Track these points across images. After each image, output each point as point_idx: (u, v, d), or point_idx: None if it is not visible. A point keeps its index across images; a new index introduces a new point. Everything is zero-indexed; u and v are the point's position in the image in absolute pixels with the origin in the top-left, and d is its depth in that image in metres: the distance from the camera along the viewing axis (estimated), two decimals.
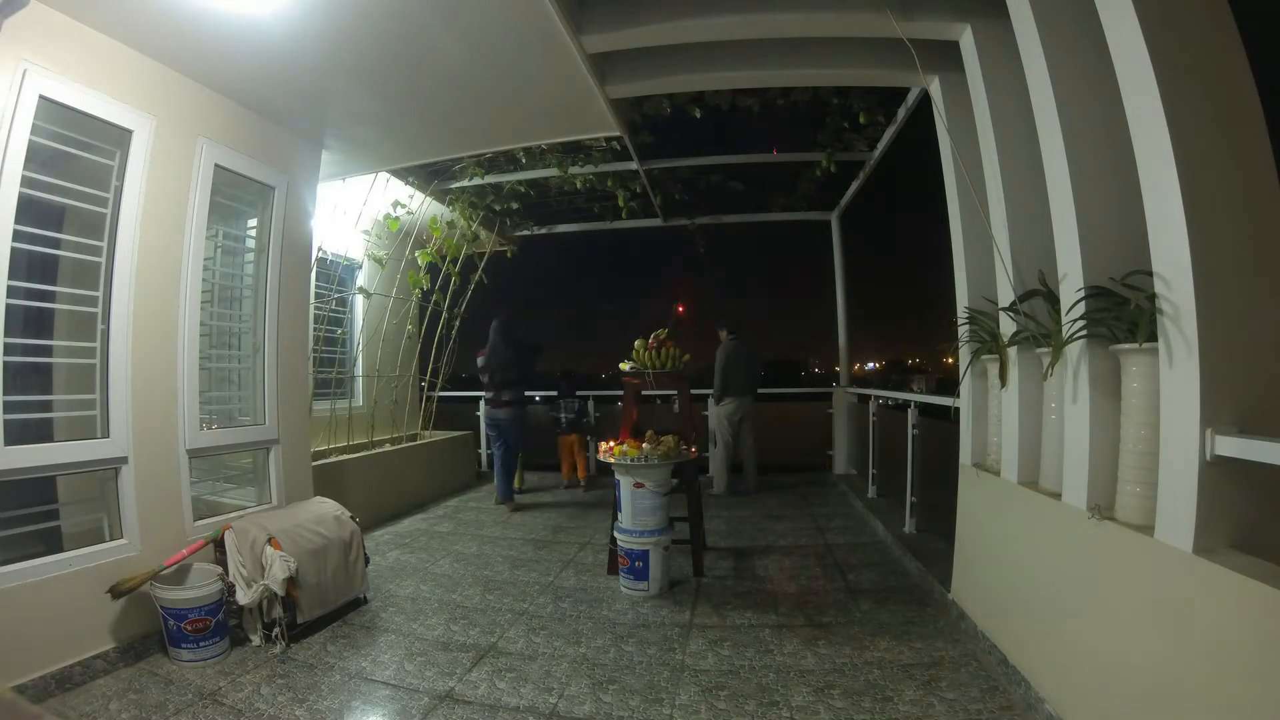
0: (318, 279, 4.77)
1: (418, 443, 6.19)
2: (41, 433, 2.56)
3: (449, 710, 2.33)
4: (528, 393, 5.83)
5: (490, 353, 5.53)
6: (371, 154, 4.41)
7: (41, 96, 2.40)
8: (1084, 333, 1.97)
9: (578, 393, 6.61)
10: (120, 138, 2.75)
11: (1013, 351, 2.54)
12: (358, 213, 5.34)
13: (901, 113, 4.29)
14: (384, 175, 5.19)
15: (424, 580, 3.77)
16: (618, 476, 3.56)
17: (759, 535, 4.64)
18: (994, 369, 2.73)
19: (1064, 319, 2.05)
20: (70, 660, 2.45)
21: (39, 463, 2.44)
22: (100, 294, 2.69)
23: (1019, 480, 2.49)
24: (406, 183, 5.44)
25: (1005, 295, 2.56)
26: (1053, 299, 2.24)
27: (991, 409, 2.86)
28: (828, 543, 4.41)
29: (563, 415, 6.41)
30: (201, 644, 2.66)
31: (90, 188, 2.65)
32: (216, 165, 3.19)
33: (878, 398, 5.62)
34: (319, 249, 4.62)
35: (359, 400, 5.89)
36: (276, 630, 2.84)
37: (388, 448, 5.76)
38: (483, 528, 5.02)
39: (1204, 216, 1.55)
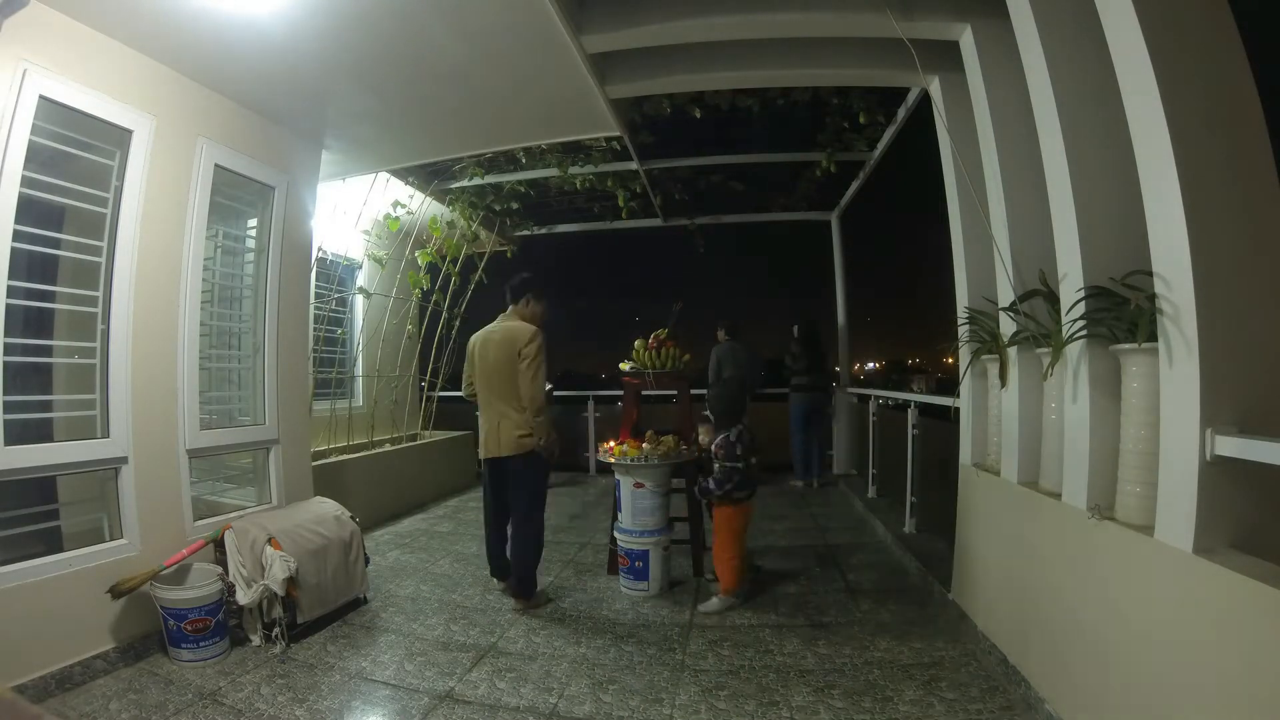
0: (318, 279, 4.77)
1: (418, 443, 6.19)
2: (41, 433, 2.56)
3: (449, 710, 2.33)
4: None
5: None
6: (371, 154, 4.41)
7: (41, 96, 2.40)
8: (1084, 333, 1.97)
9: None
10: (120, 138, 2.75)
11: (1013, 351, 2.54)
12: (358, 213, 5.34)
13: (901, 113, 4.29)
14: (384, 175, 5.19)
15: (424, 580, 3.77)
16: (618, 476, 3.56)
17: (759, 535, 4.64)
18: (994, 369, 2.73)
19: (1064, 319, 2.05)
20: (70, 660, 2.45)
21: (39, 463, 2.44)
22: (100, 294, 2.69)
23: (1019, 480, 2.49)
24: (406, 183, 5.45)
25: (1005, 295, 2.56)
26: (1053, 299, 2.24)
27: (991, 409, 2.86)
28: (828, 543, 4.41)
29: None
30: (201, 644, 2.66)
31: (90, 188, 2.65)
32: (216, 165, 3.19)
33: (878, 398, 5.62)
34: (319, 249, 4.62)
35: (359, 400, 5.89)
36: (276, 630, 2.84)
37: (388, 448, 5.76)
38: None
39: (1204, 216, 1.55)
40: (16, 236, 2.33)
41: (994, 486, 2.73)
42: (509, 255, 7.45)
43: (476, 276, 6.91)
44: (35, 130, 2.38)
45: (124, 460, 2.73)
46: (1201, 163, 1.57)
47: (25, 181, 2.36)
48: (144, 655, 2.70)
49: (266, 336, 3.57)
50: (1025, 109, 2.33)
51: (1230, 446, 1.46)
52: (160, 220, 2.91)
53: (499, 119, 3.90)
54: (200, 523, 3.07)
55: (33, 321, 2.55)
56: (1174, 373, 1.61)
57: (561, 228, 7.37)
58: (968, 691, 2.35)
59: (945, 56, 3.00)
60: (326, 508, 3.47)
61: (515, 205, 6.18)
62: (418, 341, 6.69)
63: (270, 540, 2.90)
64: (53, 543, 2.57)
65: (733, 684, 2.48)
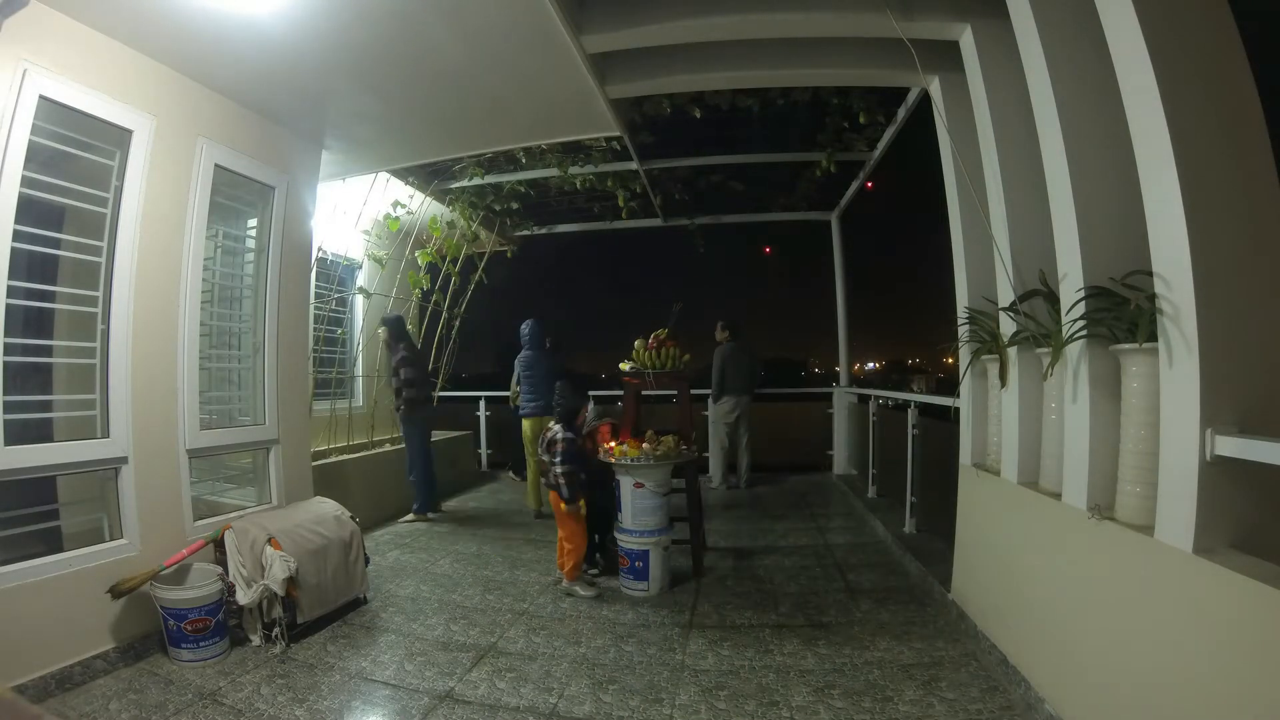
0: (318, 279, 4.77)
1: None
2: (41, 433, 2.56)
3: (449, 710, 2.33)
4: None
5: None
6: (371, 154, 4.41)
7: (41, 96, 2.40)
8: (1084, 333, 1.97)
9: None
10: (120, 138, 2.75)
11: (1013, 351, 2.54)
12: (358, 213, 5.34)
13: (901, 113, 4.29)
14: (384, 175, 5.19)
15: (424, 580, 3.77)
16: (618, 476, 3.56)
17: (759, 535, 4.64)
18: (994, 369, 2.73)
19: (1064, 319, 2.05)
20: (70, 660, 2.45)
21: (39, 463, 2.44)
22: (100, 294, 2.69)
23: (1019, 480, 2.49)
24: (406, 183, 5.44)
25: (1005, 295, 2.56)
26: (1053, 299, 2.24)
27: (991, 409, 2.86)
28: (828, 543, 4.41)
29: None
30: (201, 644, 2.66)
31: (90, 188, 2.65)
32: (216, 165, 3.19)
33: (878, 398, 5.62)
34: (319, 249, 4.62)
35: (359, 400, 5.89)
36: (276, 630, 2.84)
37: (388, 448, 5.75)
38: (483, 527, 5.02)
39: (1204, 216, 1.55)
40: (16, 236, 2.33)
41: (994, 486, 2.73)
42: (509, 255, 7.45)
43: (476, 276, 6.92)
44: (35, 130, 2.38)
45: (124, 460, 2.73)
46: (1201, 163, 1.57)
47: (25, 181, 2.36)
48: (144, 655, 2.70)
49: (266, 336, 3.57)
50: (1025, 109, 2.33)
51: (1230, 446, 1.46)
52: (160, 220, 2.91)
53: (499, 119, 3.90)
54: (200, 523, 3.07)
55: (33, 321, 2.55)
56: (1174, 373, 1.61)
57: (561, 228, 7.36)
58: (968, 691, 2.35)
59: (945, 56, 3.00)
60: (326, 508, 3.47)
61: (515, 205, 6.18)
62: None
63: (270, 540, 2.90)
64: (53, 543, 2.57)
65: (733, 684, 2.48)
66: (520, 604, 3.37)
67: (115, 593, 2.56)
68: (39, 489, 2.60)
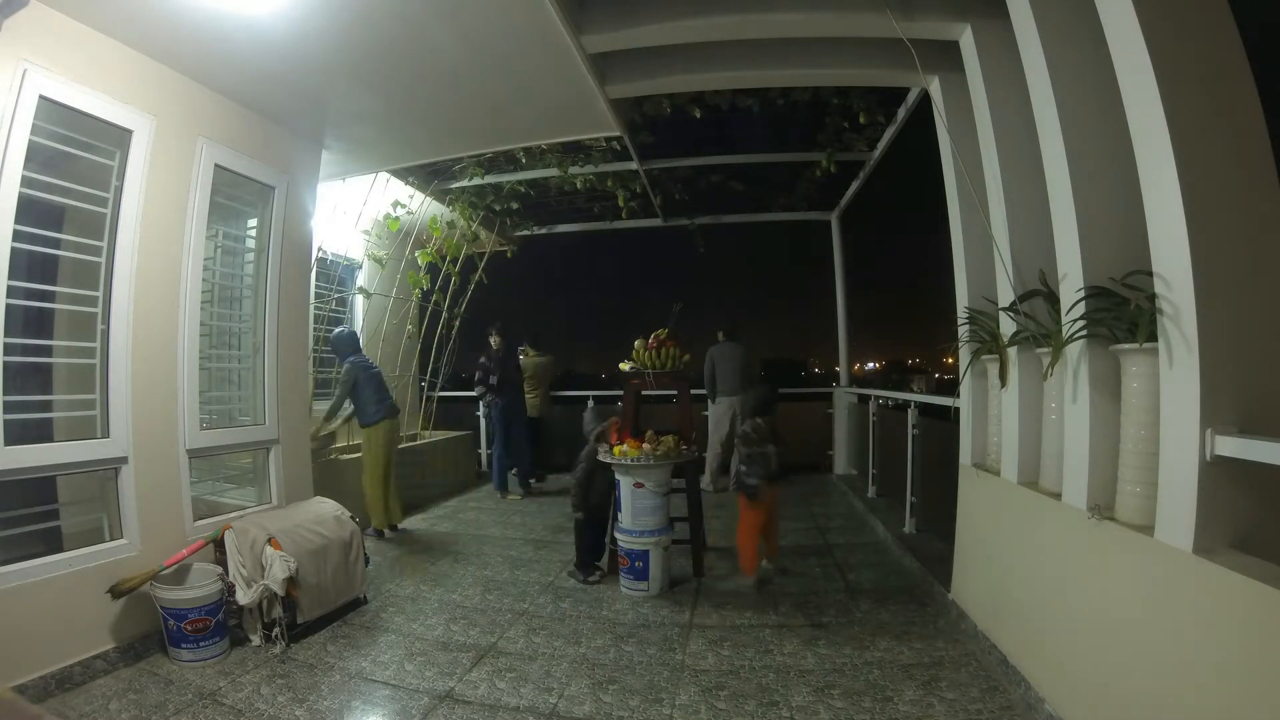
0: (318, 279, 4.77)
1: (418, 443, 6.18)
2: (41, 433, 2.56)
3: (449, 710, 2.33)
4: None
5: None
6: (371, 154, 4.41)
7: (41, 96, 2.40)
8: (1084, 333, 1.97)
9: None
10: (120, 138, 2.75)
11: (1013, 351, 2.54)
12: (358, 213, 5.34)
13: (901, 113, 4.29)
14: (384, 175, 5.19)
15: (424, 580, 3.77)
16: (618, 476, 3.56)
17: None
18: (994, 369, 2.73)
19: (1064, 319, 2.05)
20: (70, 660, 2.45)
21: (39, 463, 2.44)
22: (100, 294, 2.69)
23: (1019, 480, 2.49)
24: (406, 183, 5.44)
25: (1005, 295, 2.56)
26: (1053, 299, 2.24)
27: (991, 409, 2.86)
28: (828, 543, 4.41)
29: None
30: (201, 644, 2.66)
31: (90, 188, 2.65)
32: (216, 165, 3.19)
33: (878, 398, 5.62)
34: (319, 249, 4.61)
35: None
36: (276, 630, 2.84)
37: None
38: (483, 528, 5.02)
39: (1204, 216, 1.55)
40: (16, 236, 2.33)
41: (994, 486, 2.73)
42: (509, 255, 7.45)
43: (476, 276, 6.92)
44: (35, 130, 2.38)
45: (124, 460, 2.73)
46: (1201, 163, 1.57)
47: (25, 181, 2.36)
48: (144, 655, 2.70)
49: (266, 336, 3.57)
50: (1025, 109, 2.33)
51: (1230, 446, 1.46)
52: (160, 220, 2.90)
53: (499, 119, 3.90)
54: (200, 523, 3.07)
55: (33, 321, 2.55)
56: (1174, 373, 1.61)
57: (561, 228, 7.36)
58: (968, 691, 2.35)
59: (945, 56, 3.00)
60: (326, 508, 3.47)
61: (515, 205, 6.17)
62: (418, 341, 6.68)
63: (270, 540, 2.90)
64: (53, 543, 2.57)
65: (733, 684, 2.48)
66: (520, 604, 3.37)
67: (115, 593, 2.56)
68: (39, 489, 2.60)
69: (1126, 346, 1.80)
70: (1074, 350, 2.09)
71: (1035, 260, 2.42)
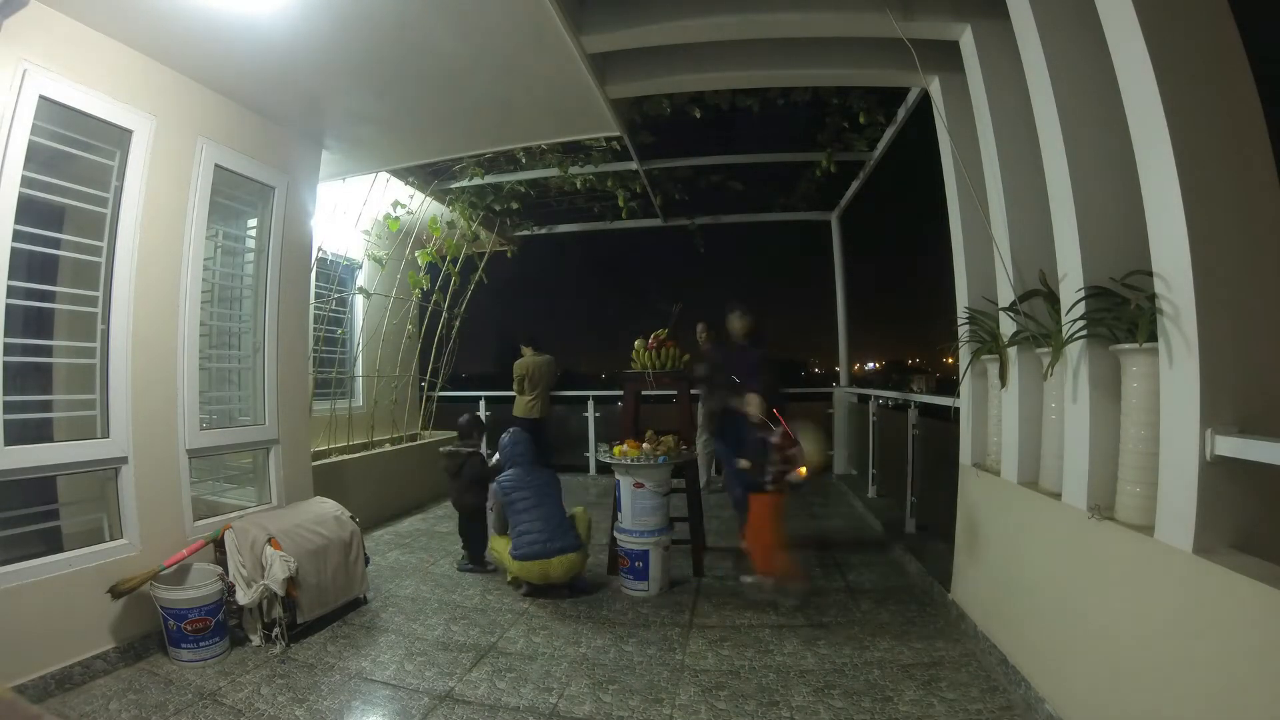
0: (318, 279, 4.77)
1: (418, 443, 6.19)
2: (41, 433, 2.56)
3: (449, 710, 2.33)
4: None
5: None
6: (371, 154, 4.41)
7: (41, 96, 2.40)
8: (1084, 333, 1.97)
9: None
10: (120, 138, 2.75)
11: (1013, 351, 2.54)
12: (358, 213, 5.34)
13: (901, 113, 4.29)
14: (384, 175, 5.19)
15: (424, 580, 3.77)
16: (618, 476, 3.56)
17: None
18: (994, 369, 2.73)
19: (1064, 319, 2.05)
20: (70, 660, 2.45)
21: (39, 463, 2.44)
22: (100, 294, 2.69)
23: (1019, 480, 2.49)
24: (406, 183, 5.45)
25: (1005, 295, 2.56)
26: (1053, 299, 2.24)
27: (991, 409, 2.86)
28: (828, 543, 4.40)
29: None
30: (201, 644, 2.66)
31: (90, 188, 2.65)
32: (216, 165, 3.19)
33: (878, 398, 5.62)
34: (319, 249, 4.62)
35: (359, 400, 5.88)
36: (276, 630, 2.84)
37: (388, 448, 5.75)
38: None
39: (1204, 216, 1.55)
40: (16, 236, 2.33)
41: (994, 486, 2.73)
42: (509, 255, 7.45)
43: (476, 276, 6.92)
44: (35, 130, 2.38)
45: (124, 460, 2.73)
46: (1201, 163, 1.57)
47: (25, 181, 2.36)
48: (144, 655, 2.70)
49: (266, 336, 3.57)
50: (1025, 109, 2.33)
51: (1230, 446, 1.46)
52: (160, 220, 2.90)
53: (499, 119, 3.90)
54: (200, 523, 3.07)
55: (33, 321, 2.55)
56: (1174, 373, 1.61)
57: (561, 228, 7.36)
58: (968, 691, 2.35)
59: (945, 56, 3.00)
60: (326, 508, 3.47)
61: (515, 205, 6.17)
62: (418, 341, 6.69)
63: (270, 540, 2.90)
64: (53, 543, 2.57)
65: (733, 684, 2.48)
66: (520, 604, 3.37)
67: (115, 593, 2.56)
68: (39, 489, 2.60)
69: (1126, 346, 1.80)
70: (1074, 350, 2.09)
71: (1035, 260, 2.41)
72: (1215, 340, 1.52)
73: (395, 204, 5.57)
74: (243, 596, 2.78)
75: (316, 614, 3.02)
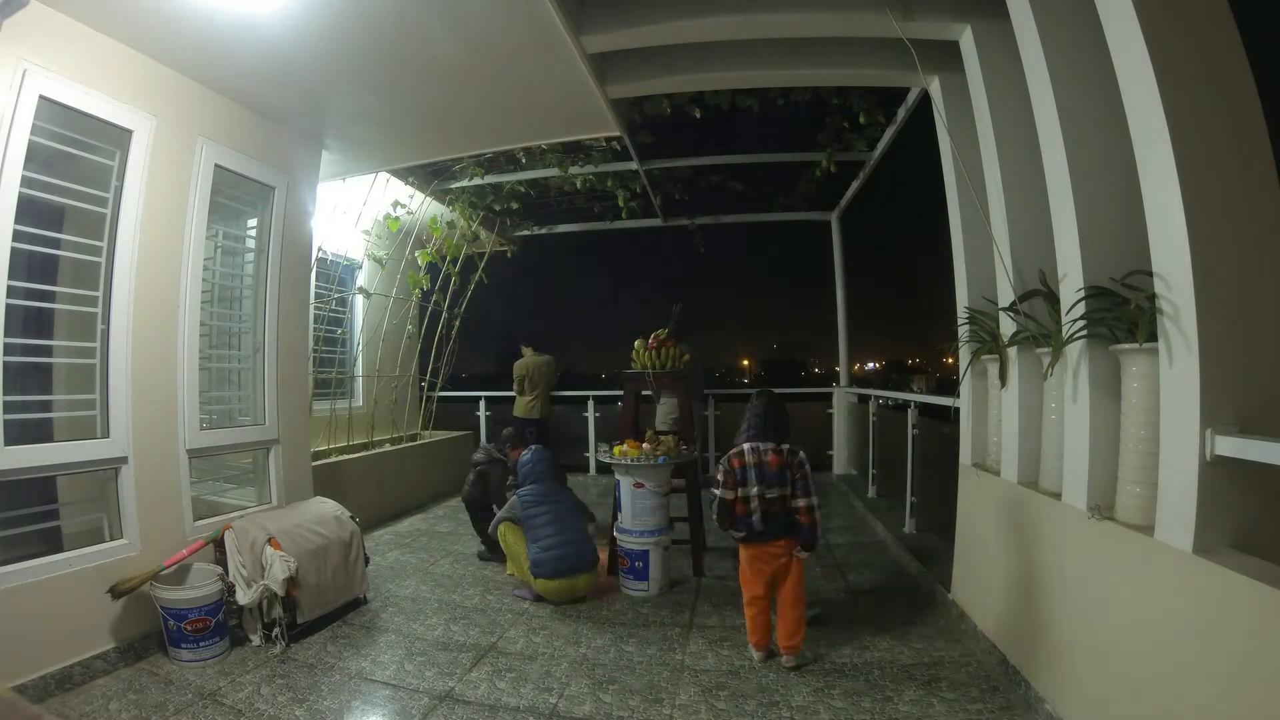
0: (318, 279, 4.77)
1: (418, 443, 6.19)
2: (41, 433, 2.56)
3: (449, 710, 2.33)
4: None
5: None
6: (371, 154, 4.41)
7: (41, 96, 2.40)
8: (1084, 333, 1.97)
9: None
10: (120, 138, 2.75)
11: (1013, 351, 2.54)
12: (358, 213, 5.34)
13: (901, 113, 4.29)
14: (384, 175, 5.19)
15: (424, 580, 3.77)
16: (618, 476, 3.56)
17: None
18: (994, 369, 2.73)
19: (1064, 319, 2.05)
20: (70, 660, 2.45)
21: (39, 463, 2.44)
22: (100, 294, 2.69)
23: (1019, 480, 2.49)
24: (406, 183, 5.45)
25: (1005, 295, 2.56)
26: (1053, 299, 2.24)
27: (991, 409, 2.86)
28: (828, 543, 4.40)
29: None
30: (201, 644, 2.66)
31: (90, 188, 2.65)
32: (216, 165, 3.19)
33: (878, 398, 5.62)
34: (319, 249, 4.62)
35: (359, 400, 5.89)
36: (276, 630, 2.84)
37: (388, 448, 5.76)
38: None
39: (1204, 216, 1.55)
40: (16, 236, 2.33)
41: (994, 486, 2.73)
42: (509, 255, 7.45)
43: (476, 276, 6.92)
44: (35, 130, 2.38)
45: (124, 460, 2.73)
46: (1201, 163, 1.57)
47: (25, 181, 2.36)
48: (144, 655, 2.70)
49: (266, 336, 3.57)
50: (1025, 109, 2.33)
51: (1230, 446, 1.46)
52: (160, 220, 2.90)
53: (499, 119, 3.90)
54: (200, 523, 3.07)
55: (33, 321, 2.55)
56: (1174, 373, 1.61)
57: (561, 228, 7.36)
58: (968, 691, 2.35)
59: (945, 56, 3.00)
60: (326, 508, 3.47)
61: (515, 205, 6.18)
62: (418, 341, 6.69)
63: (270, 540, 2.90)
64: (53, 543, 2.57)
65: (733, 684, 2.48)
66: (520, 604, 3.37)
67: (115, 593, 2.56)
68: (39, 489, 2.60)
69: (1126, 346, 1.80)
70: (1074, 350, 2.08)
71: (1035, 260, 2.42)
72: (1215, 340, 1.52)
73: (395, 204, 5.57)
74: (243, 596, 2.78)
75: (316, 614, 3.02)
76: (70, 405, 2.69)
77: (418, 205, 5.75)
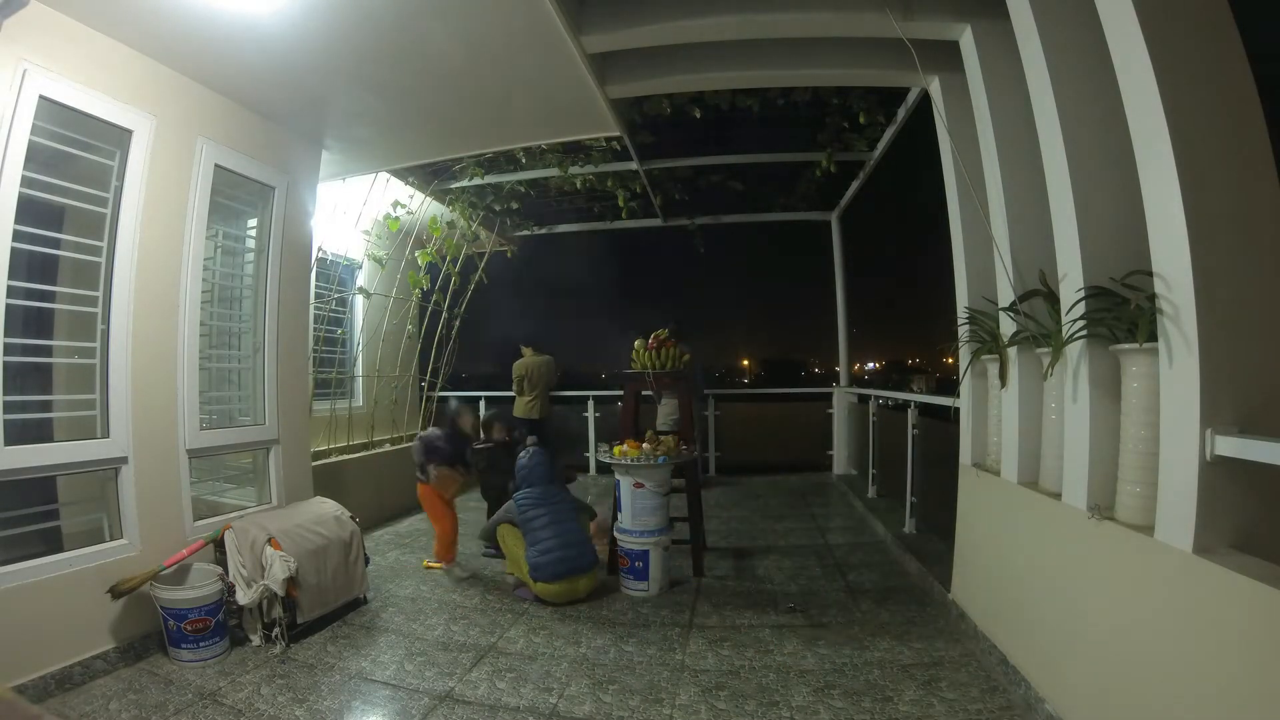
0: (318, 279, 4.77)
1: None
2: (41, 433, 2.56)
3: (449, 710, 2.33)
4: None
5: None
6: (371, 154, 4.41)
7: (41, 96, 2.40)
8: (1084, 333, 1.97)
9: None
10: (120, 138, 2.75)
11: (1013, 351, 2.54)
12: (358, 213, 5.34)
13: (901, 113, 4.29)
14: (384, 175, 5.19)
15: (424, 580, 3.77)
16: (618, 476, 3.56)
17: (759, 535, 4.64)
18: (994, 369, 2.73)
19: (1064, 319, 2.05)
20: (70, 660, 2.45)
21: (39, 463, 2.44)
22: (100, 294, 2.69)
23: (1019, 480, 2.49)
24: (406, 183, 5.44)
25: (1005, 295, 2.56)
26: (1053, 299, 2.24)
27: (991, 409, 2.86)
28: (828, 543, 4.41)
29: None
30: (201, 644, 2.66)
31: (90, 188, 2.65)
32: (216, 165, 3.19)
33: (878, 398, 5.62)
34: (319, 249, 4.61)
35: (359, 400, 5.89)
36: (276, 630, 2.84)
37: (388, 448, 5.75)
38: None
39: (1204, 216, 1.55)
40: (16, 236, 2.33)
41: (994, 486, 2.73)
42: (509, 255, 7.45)
43: (476, 276, 6.92)
44: (35, 130, 2.38)
45: (124, 460, 2.73)
46: (1201, 163, 1.57)
47: (25, 181, 2.36)
48: (144, 655, 2.70)
49: (266, 336, 3.57)
50: (1025, 109, 2.33)
51: (1230, 446, 1.46)
52: (160, 220, 2.90)
53: (499, 119, 3.90)
54: (200, 523, 3.07)
55: (33, 321, 2.55)
56: (1174, 373, 1.61)
57: (561, 228, 7.36)
58: (968, 691, 2.35)
59: (945, 56, 3.00)
60: (326, 508, 3.47)
61: (515, 205, 6.17)
62: (418, 341, 6.69)
63: (270, 540, 2.90)
64: (53, 543, 2.57)
65: (733, 684, 2.48)
66: (520, 604, 3.37)
67: (115, 593, 2.56)
68: (39, 489, 2.60)
69: (1126, 346, 1.80)
70: (1074, 350, 2.08)
71: (1035, 260, 2.41)
72: (1215, 340, 1.52)
73: (395, 204, 5.57)
74: (243, 596, 2.78)
75: (316, 614, 3.02)
76: (70, 405, 2.69)
77: (418, 205, 5.75)
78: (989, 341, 2.74)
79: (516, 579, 3.46)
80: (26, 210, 2.37)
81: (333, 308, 5.35)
